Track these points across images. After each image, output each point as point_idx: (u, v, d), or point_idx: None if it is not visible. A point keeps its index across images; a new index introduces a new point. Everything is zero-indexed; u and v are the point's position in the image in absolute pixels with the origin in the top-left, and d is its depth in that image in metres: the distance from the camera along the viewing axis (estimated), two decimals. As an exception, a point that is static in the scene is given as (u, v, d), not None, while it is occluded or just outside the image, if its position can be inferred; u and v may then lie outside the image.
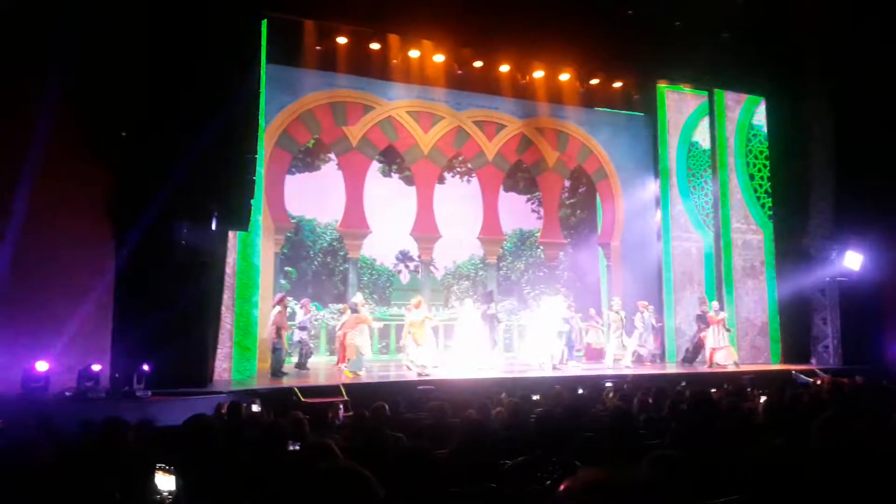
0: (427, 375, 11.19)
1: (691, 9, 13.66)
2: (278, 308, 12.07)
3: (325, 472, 1.70)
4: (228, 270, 10.99)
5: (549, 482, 3.40)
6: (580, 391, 9.07)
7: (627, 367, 13.40)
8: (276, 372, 11.63)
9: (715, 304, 14.52)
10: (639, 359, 14.34)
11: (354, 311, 12.15)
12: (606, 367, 13.52)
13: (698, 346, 14.41)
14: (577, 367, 13.34)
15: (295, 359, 12.57)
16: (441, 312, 15.22)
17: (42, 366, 7.93)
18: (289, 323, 12.55)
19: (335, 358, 12.52)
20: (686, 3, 13.60)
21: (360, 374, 11.55)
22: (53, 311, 8.81)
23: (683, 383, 9.79)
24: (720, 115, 16.17)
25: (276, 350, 11.89)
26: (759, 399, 6.91)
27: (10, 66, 8.82)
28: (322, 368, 13.18)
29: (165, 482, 3.07)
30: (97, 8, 9.21)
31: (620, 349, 14.08)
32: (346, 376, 11.18)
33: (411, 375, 11.38)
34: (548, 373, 12.21)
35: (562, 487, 1.38)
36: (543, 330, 13.27)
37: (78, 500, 3.56)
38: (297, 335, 12.59)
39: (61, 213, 9.01)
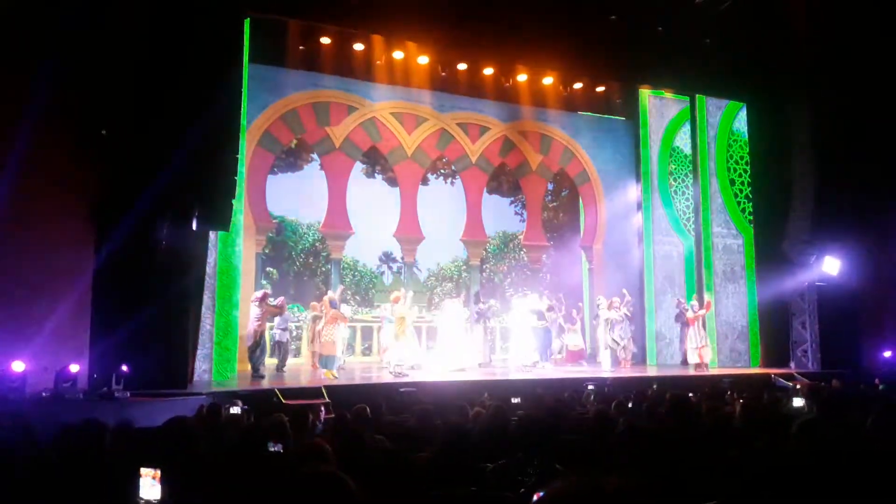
0: (403, 376, 11.12)
1: (673, 15, 13.78)
2: (258, 305, 11.81)
3: (304, 476, 1.70)
4: (209, 271, 10.91)
5: (526, 487, 3.41)
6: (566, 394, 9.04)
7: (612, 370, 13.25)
8: (256, 373, 11.49)
9: (694, 302, 14.46)
10: (615, 359, 14.07)
11: (334, 306, 11.68)
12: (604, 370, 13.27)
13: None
14: (548, 368, 13.09)
15: (275, 360, 12.48)
16: (425, 313, 15.19)
17: (18, 366, 7.82)
18: (268, 324, 12.30)
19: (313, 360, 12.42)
20: (668, 9, 13.71)
21: (334, 373, 11.33)
22: (31, 311, 8.69)
23: (655, 385, 9.66)
24: (701, 120, 16.28)
25: (256, 350, 11.72)
26: (738, 403, 6.94)
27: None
28: (302, 370, 13.11)
29: (144, 485, 3.04)
30: (81, 7, 9.11)
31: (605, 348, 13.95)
32: (327, 377, 11.03)
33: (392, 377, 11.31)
34: (528, 374, 12.19)
35: (535, 497, 1.36)
36: (517, 331, 13.23)
37: None
38: (278, 336, 12.48)
39: (41, 211, 8.91)
